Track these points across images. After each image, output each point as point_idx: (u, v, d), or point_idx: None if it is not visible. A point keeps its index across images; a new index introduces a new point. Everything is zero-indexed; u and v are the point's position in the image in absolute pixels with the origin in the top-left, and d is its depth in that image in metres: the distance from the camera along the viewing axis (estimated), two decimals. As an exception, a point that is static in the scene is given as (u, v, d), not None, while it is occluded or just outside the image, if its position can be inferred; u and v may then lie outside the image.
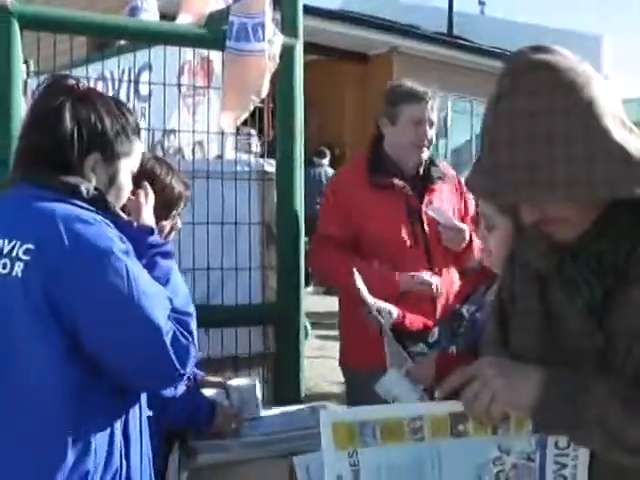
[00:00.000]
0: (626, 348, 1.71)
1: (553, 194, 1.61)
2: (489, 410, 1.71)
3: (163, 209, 2.92)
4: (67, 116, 2.16)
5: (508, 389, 1.72)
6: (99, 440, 2.09)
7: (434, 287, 3.78)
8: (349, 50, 15.82)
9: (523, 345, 1.91)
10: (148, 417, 2.64)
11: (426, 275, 3.79)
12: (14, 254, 2.04)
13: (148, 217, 2.43)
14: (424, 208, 3.89)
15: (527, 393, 1.71)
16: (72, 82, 2.28)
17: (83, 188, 2.14)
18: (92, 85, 4.81)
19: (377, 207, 3.83)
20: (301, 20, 4.13)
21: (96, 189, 2.17)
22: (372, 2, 20.78)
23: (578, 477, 1.75)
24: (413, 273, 3.77)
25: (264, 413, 3.26)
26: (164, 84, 4.04)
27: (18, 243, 2.04)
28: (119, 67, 4.93)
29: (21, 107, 3.42)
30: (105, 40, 5.07)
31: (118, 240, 2.09)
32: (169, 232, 2.99)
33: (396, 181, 3.89)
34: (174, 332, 2.09)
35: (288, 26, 4.07)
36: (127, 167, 2.30)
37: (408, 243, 3.83)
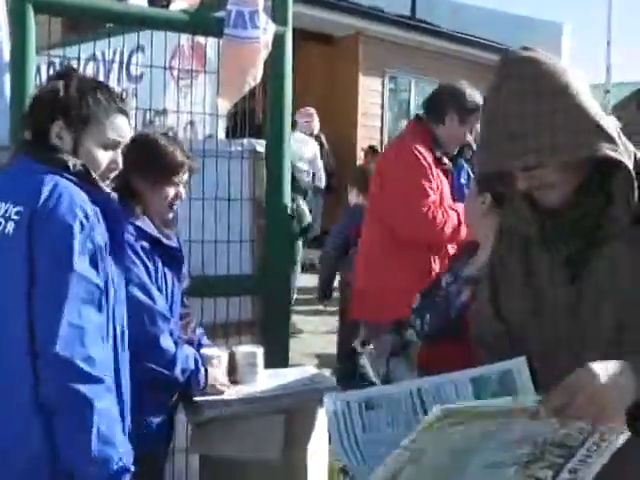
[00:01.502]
0: (594, 302, 2.03)
1: (540, 158, 1.94)
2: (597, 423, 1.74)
3: (165, 175, 3.21)
4: (39, 89, 2.58)
5: (613, 401, 1.77)
6: None
7: None
8: (314, 31, 15.94)
9: (510, 306, 2.22)
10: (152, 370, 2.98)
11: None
12: (7, 215, 2.39)
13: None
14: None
15: (626, 397, 1.80)
16: (67, 68, 2.74)
17: (70, 163, 2.48)
18: (85, 65, 5.06)
19: (439, 181, 4.46)
20: (291, 9, 4.38)
21: (82, 165, 2.50)
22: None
23: (601, 459, 1.76)
24: None
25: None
26: (164, 67, 4.28)
27: (11, 206, 2.39)
28: (117, 48, 5.14)
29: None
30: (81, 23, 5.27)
31: (82, 215, 2.40)
32: (173, 198, 3.25)
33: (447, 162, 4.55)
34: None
35: (279, 15, 4.32)
36: (94, 137, 2.58)
37: None
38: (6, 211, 2.39)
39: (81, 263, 2.38)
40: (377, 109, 16.33)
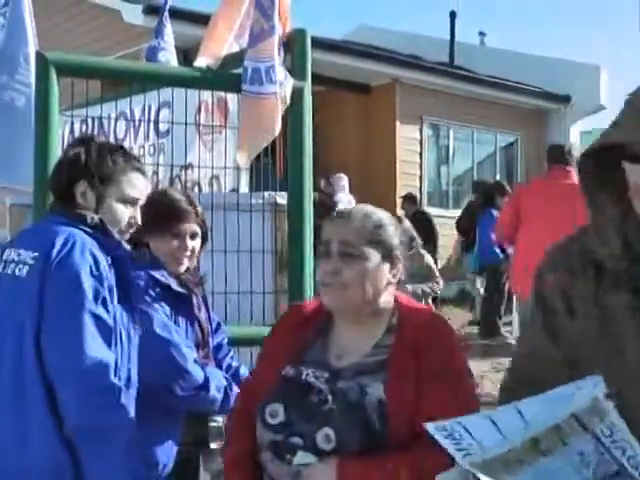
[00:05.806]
0: None
1: None
2: None
3: (166, 226, 3.25)
4: (63, 156, 2.88)
5: None
6: None
7: None
8: (352, 81, 16.11)
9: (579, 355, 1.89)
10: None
11: None
12: (22, 259, 2.65)
13: None
14: None
15: None
16: (89, 136, 3.08)
17: (88, 217, 2.73)
18: (113, 122, 5.21)
19: None
20: (310, 63, 4.46)
21: (100, 220, 2.75)
22: (375, 32, 21.12)
23: None
24: None
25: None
26: (186, 123, 4.39)
27: (30, 252, 2.65)
28: (148, 104, 5.26)
29: (58, 145, 3.80)
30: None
31: (92, 260, 2.61)
32: (177, 250, 3.27)
33: None
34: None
35: (298, 69, 4.39)
36: (115, 194, 2.81)
37: None
38: (21, 256, 2.65)
39: (92, 302, 2.57)
40: (416, 157, 16.40)
